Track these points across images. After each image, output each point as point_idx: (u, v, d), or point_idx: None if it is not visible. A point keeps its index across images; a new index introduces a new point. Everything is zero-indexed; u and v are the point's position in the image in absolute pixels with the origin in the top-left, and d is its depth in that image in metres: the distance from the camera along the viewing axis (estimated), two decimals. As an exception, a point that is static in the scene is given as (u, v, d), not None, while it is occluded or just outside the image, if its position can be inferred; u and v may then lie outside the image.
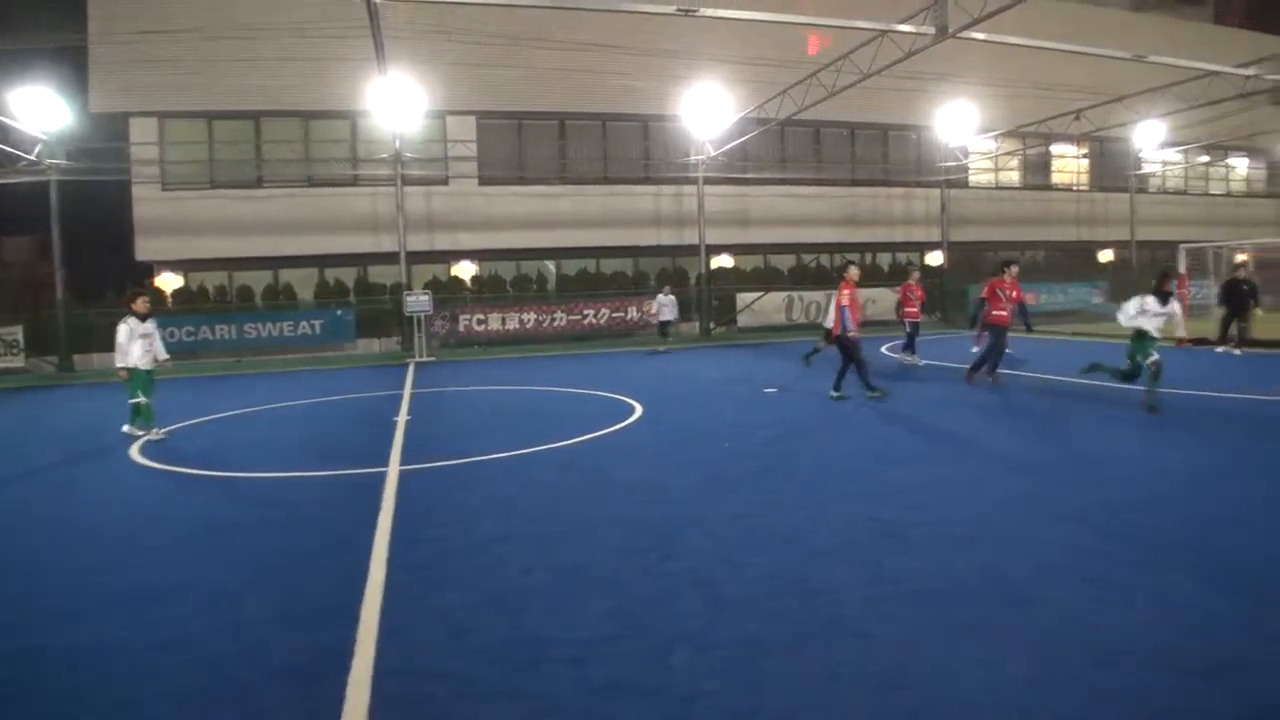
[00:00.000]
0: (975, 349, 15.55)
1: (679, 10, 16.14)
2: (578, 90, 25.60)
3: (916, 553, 5.15)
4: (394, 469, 7.94)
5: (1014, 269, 13.03)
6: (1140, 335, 10.03)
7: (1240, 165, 39.59)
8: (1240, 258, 25.68)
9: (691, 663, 3.75)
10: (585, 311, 24.66)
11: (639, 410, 11.18)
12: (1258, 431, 8.88)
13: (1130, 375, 10.21)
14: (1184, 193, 37.86)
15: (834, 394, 11.54)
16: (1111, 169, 34.73)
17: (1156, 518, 5.73)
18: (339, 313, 23.50)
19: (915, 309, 16.35)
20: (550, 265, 27.10)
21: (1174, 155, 36.09)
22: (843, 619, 4.19)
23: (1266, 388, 11.62)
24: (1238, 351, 16.70)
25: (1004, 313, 12.78)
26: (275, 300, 24.11)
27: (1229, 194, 39.24)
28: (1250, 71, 21.35)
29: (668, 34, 24.40)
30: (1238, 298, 17.02)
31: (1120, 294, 33.14)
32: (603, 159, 26.94)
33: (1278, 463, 7.38)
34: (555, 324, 24.37)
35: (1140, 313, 10.09)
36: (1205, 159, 37.96)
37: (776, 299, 27.08)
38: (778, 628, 4.10)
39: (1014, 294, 12.79)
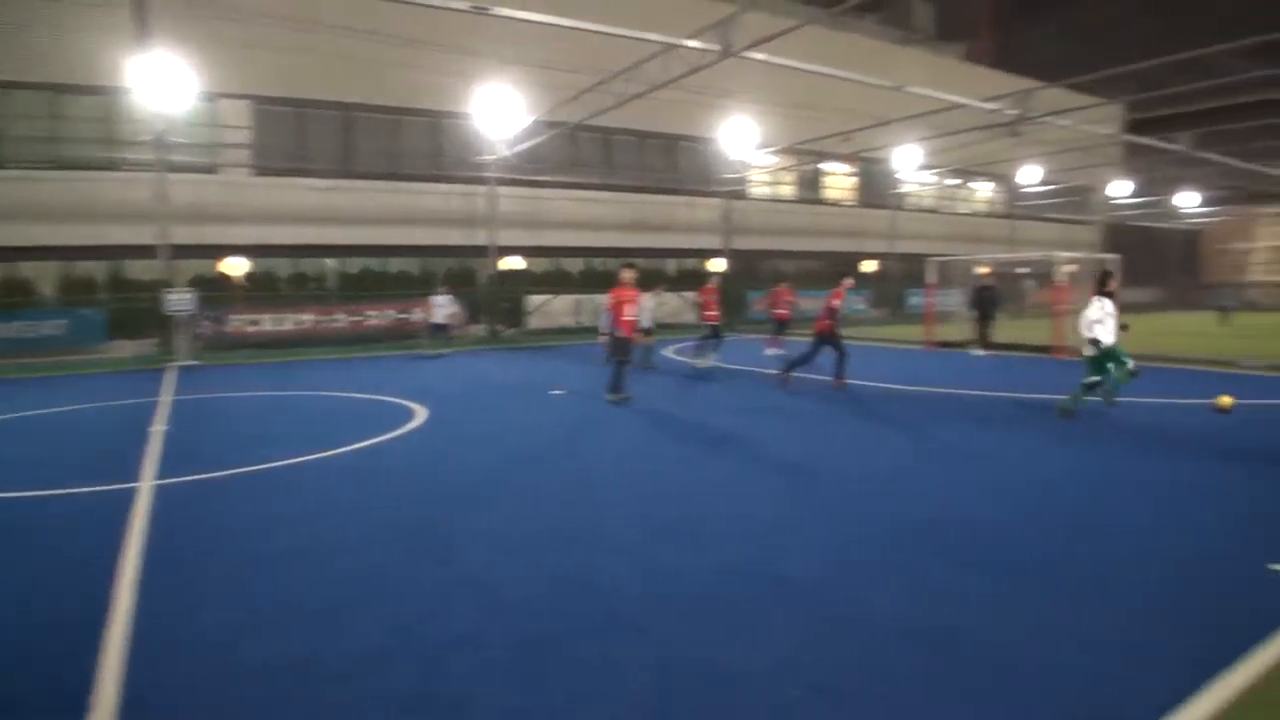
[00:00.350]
0: (768, 352, 17.53)
1: (472, 7, 15.96)
2: (368, 81, 24.59)
3: (690, 548, 5.41)
4: (148, 484, 7.30)
5: (848, 281, 14.01)
6: (1095, 343, 10.26)
7: (983, 189, 44.32)
8: (981, 270, 28.76)
9: (467, 667, 3.76)
10: (368, 313, 23.71)
11: (421, 415, 10.94)
12: (1007, 425, 9.97)
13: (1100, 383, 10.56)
14: (936, 211, 41.87)
15: (610, 396, 11.78)
16: (875, 187, 37.82)
17: (909, 505, 6.35)
18: (88, 312, 21.26)
19: (715, 313, 17.03)
20: (331, 263, 25.80)
21: (928, 177, 39.86)
22: (619, 614, 4.34)
23: (1018, 387, 13.06)
24: (981, 353, 18.70)
25: (829, 320, 13.48)
26: (10, 298, 21.37)
27: (973, 214, 43.82)
28: (993, 106, 23.94)
29: (462, 31, 24.02)
30: (986, 302, 19.16)
31: (882, 301, 36.42)
32: (392, 154, 26.05)
33: (1023, 451, 8.33)
34: (335, 325, 23.20)
35: (1105, 317, 10.31)
36: (954, 182, 42.19)
37: (566, 302, 27.33)
38: (555, 626, 4.18)
39: (834, 302, 13.50)
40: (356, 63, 23.90)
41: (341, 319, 23.31)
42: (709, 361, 16.79)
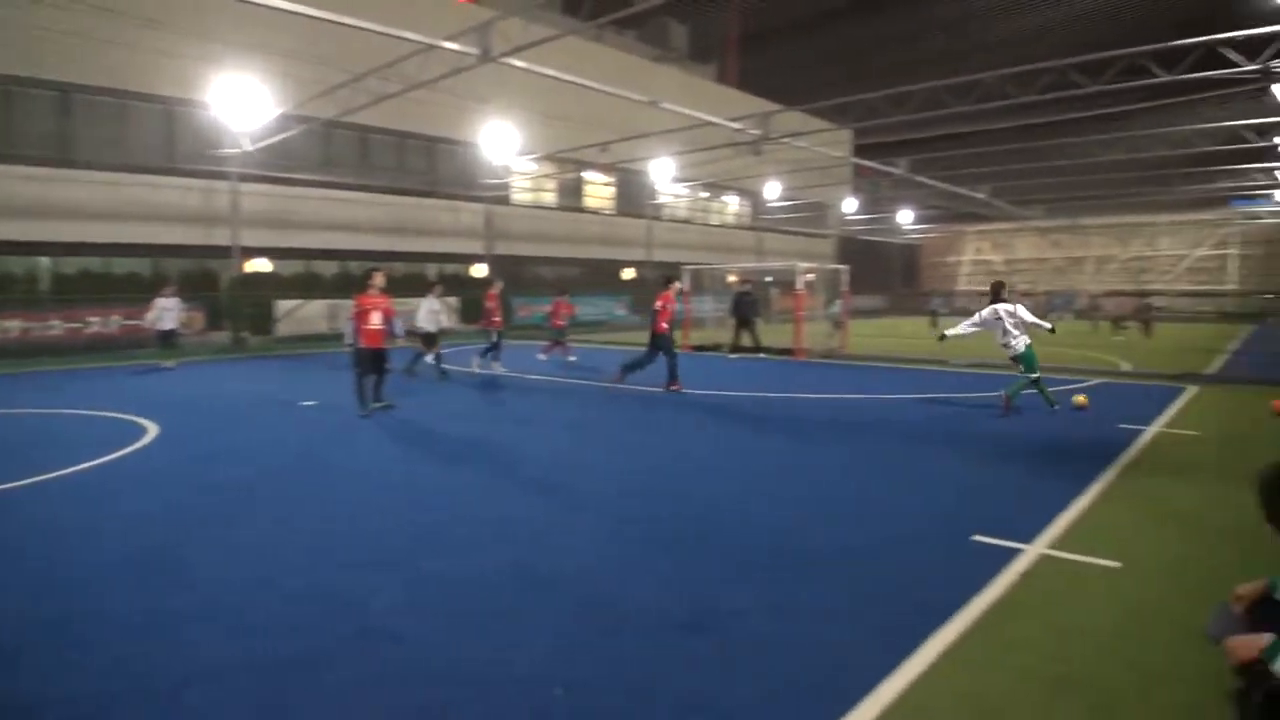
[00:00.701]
0: (540, 356, 18.28)
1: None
2: (90, 61, 21.90)
3: (450, 553, 5.33)
4: None
5: (676, 285, 14.71)
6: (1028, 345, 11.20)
7: (732, 202, 47.04)
8: (731, 278, 30.53)
9: (207, 697, 3.49)
10: (90, 319, 21.18)
11: (153, 431, 9.95)
12: (756, 423, 10.60)
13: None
14: (689, 221, 43.91)
15: (376, 404, 11.33)
16: (633, 197, 39.05)
17: (661, 499, 6.60)
18: None
19: (499, 318, 17.03)
20: (45, 262, 22.74)
21: (682, 189, 41.75)
22: (374, 626, 4.20)
23: (775, 387, 13.90)
24: (733, 356, 19.84)
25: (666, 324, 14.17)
26: None
27: (723, 225, 46.39)
28: (738, 125, 25.45)
29: (203, 13, 22.19)
30: (745, 308, 20.30)
31: (640, 306, 37.62)
32: (119, 142, 23.43)
33: (770, 448, 8.89)
34: (50, 333, 20.46)
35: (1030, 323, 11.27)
36: (706, 195, 44.46)
37: (319, 307, 25.95)
38: (304, 645, 3.98)
39: (672, 306, 14.13)
40: (77, 39, 21.31)
41: (57, 326, 20.66)
42: (500, 368, 16.76)
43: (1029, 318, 11.34)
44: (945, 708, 3.42)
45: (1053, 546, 5.44)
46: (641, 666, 3.79)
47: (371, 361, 11.16)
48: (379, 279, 11.36)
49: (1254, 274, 49.18)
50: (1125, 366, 17.61)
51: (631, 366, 14.28)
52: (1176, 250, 52.95)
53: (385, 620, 4.29)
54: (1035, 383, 11.26)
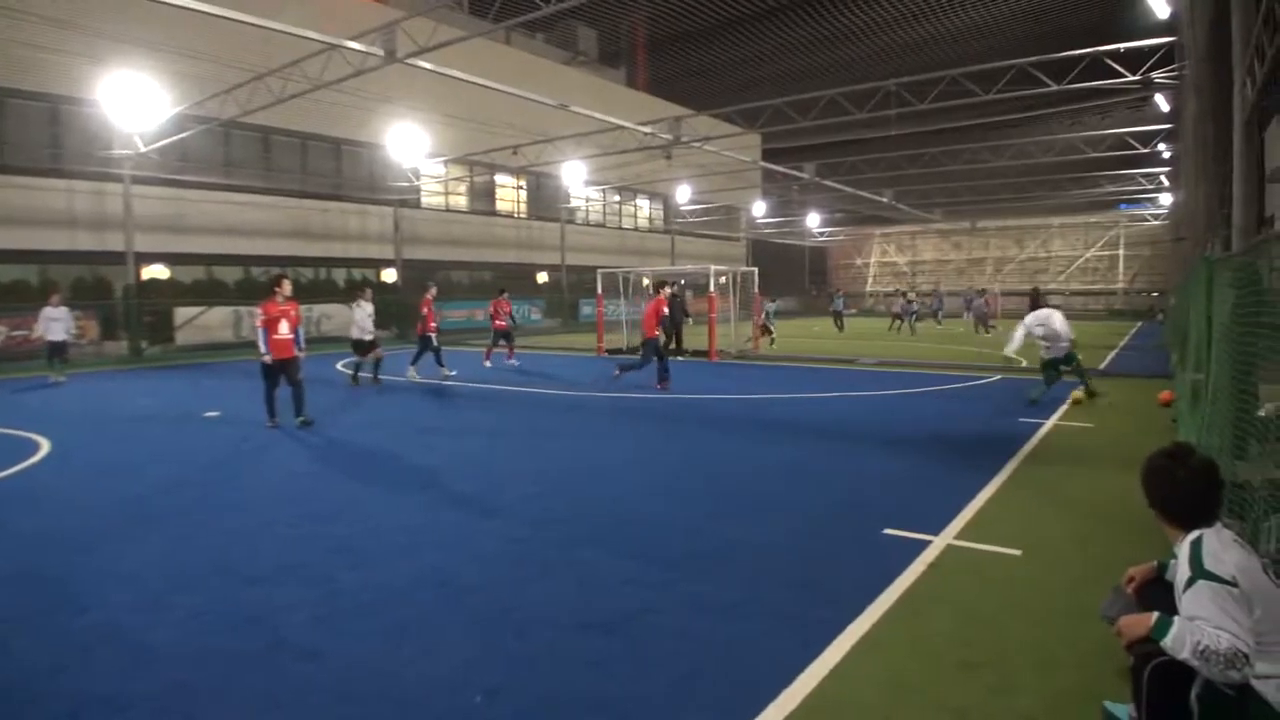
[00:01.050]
0: (487, 363, 18.40)
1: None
2: (-39, 56, 20.72)
3: (363, 565, 5.22)
4: None
5: (667, 289, 16.12)
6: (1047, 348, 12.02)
7: (645, 205, 47.27)
8: (645, 281, 30.68)
9: (104, 726, 3.32)
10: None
11: (45, 447, 9.43)
12: (669, 424, 10.66)
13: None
14: (603, 225, 43.95)
15: (298, 419, 10.66)
16: (546, 200, 38.86)
17: (570, 502, 6.59)
18: None
19: (435, 324, 16.73)
20: (-84, 269, 21.41)
21: (595, 193, 41.75)
22: (286, 642, 4.08)
23: (694, 388, 13.99)
24: (681, 359, 19.79)
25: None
26: None
27: (636, 228, 46.58)
28: (648, 129, 25.61)
29: (90, 8, 21.16)
30: (675, 310, 20.21)
31: (556, 310, 37.52)
32: (-1, 142, 22.11)
33: (682, 448, 8.95)
34: (-75, 344, 19.29)
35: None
36: (618, 198, 44.57)
37: (223, 314, 25.05)
38: (210, 667, 3.83)
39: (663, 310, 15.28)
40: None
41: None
42: (448, 372, 16.50)
43: (1060, 326, 11.89)
44: (858, 695, 3.51)
45: (959, 537, 5.64)
46: (556, 669, 3.78)
47: (282, 373, 10.54)
48: (286, 285, 10.68)
49: (1141, 273, 51.93)
50: (1024, 363, 18.36)
51: (628, 368, 14.86)
52: (1069, 251, 55.49)
53: (299, 636, 4.17)
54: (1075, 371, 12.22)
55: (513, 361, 19.00)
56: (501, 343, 19.20)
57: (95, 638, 4.17)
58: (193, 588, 4.85)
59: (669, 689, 3.59)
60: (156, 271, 25.19)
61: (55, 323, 16.35)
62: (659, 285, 16.42)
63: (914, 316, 32.26)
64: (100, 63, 21.44)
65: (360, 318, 15.62)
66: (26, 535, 6.00)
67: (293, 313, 10.58)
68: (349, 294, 28.95)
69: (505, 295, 19.60)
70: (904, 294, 36.26)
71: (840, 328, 32.66)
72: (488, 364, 18.72)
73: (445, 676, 3.71)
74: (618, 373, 14.83)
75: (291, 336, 10.55)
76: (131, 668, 3.83)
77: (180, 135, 22.87)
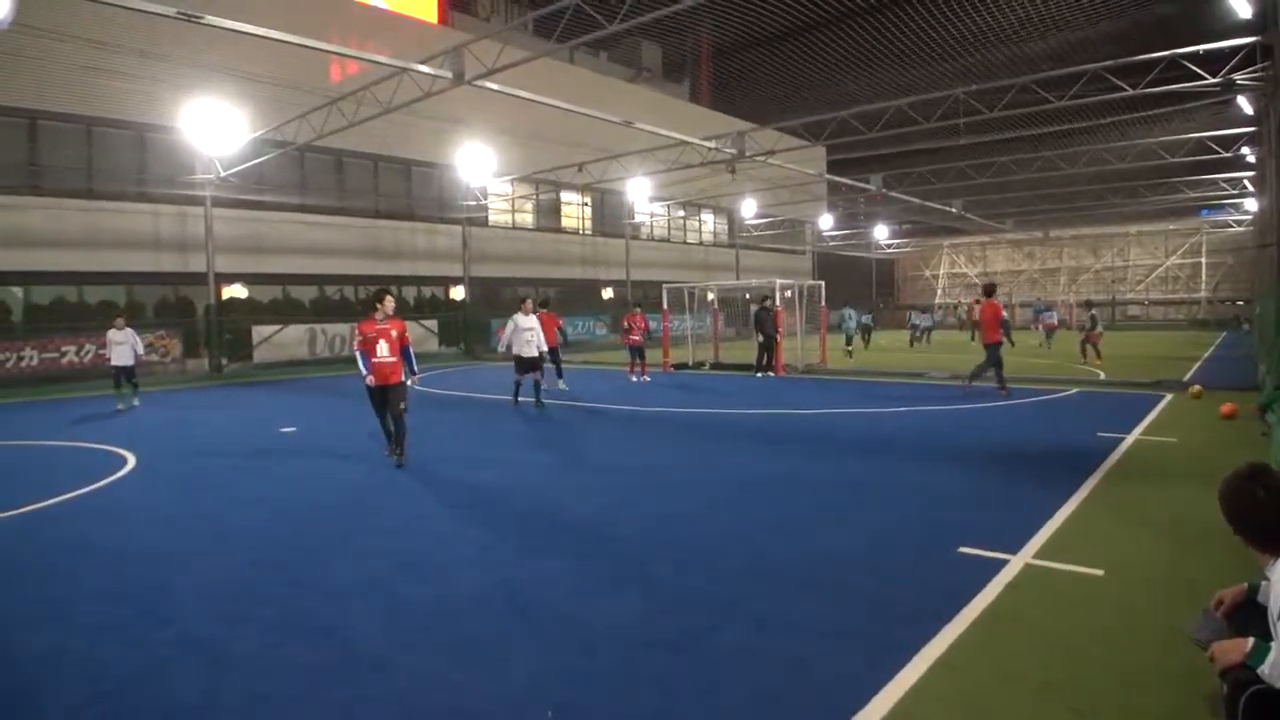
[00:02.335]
0: (634, 379, 18.30)
1: (180, 14, 14.69)
2: (57, 87, 21.73)
3: (431, 580, 5.29)
4: None
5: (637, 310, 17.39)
6: None
7: (709, 220, 47.26)
8: (710, 295, 30.63)
9: (187, 734, 3.42)
10: (64, 348, 20.95)
11: (131, 462, 9.81)
12: (738, 439, 10.61)
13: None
14: (667, 240, 44.05)
15: (391, 454, 9.73)
16: (610, 216, 39.15)
17: (637, 519, 6.58)
18: None
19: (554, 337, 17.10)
20: (17, 292, 22.43)
21: (659, 209, 41.90)
22: (359, 655, 4.15)
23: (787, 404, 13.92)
24: (773, 375, 19.56)
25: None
26: None
27: (701, 243, 46.58)
28: (712, 144, 25.62)
29: (171, 38, 22.05)
30: (766, 324, 19.60)
31: (618, 326, 37.63)
32: (87, 169, 23.17)
33: (753, 464, 8.90)
34: (24, 364, 20.21)
35: None
36: (682, 213, 44.64)
37: (298, 332, 25.79)
38: (288, 677, 3.91)
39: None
40: (44, 64, 21.15)
41: (31, 355, 20.37)
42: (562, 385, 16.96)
43: None
44: (935, 718, 3.42)
45: (1038, 556, 5.47)
46: (623, 687, 3.76)
47: (383, 401, 9.54)
48: (389, 302, 9.60)
49: (1224, 281, 50.00)
50: (1102, 376, 17.80)
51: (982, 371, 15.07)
52: (1148, 260, 53.71)
53: (369, 648, 4.24)
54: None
55: (645, 379, 18.56)
56: (637, 360, 18.69)
57: (178, 649, 4.30)
58: (269, 600, 4.97)
59: (738, 709, 3.55)
60: (235, 291, 26.09)
61: (120, 346, 15.55)
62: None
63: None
64: (183, 91, 22.38)
65: (518, 331, 13.95)
66: (112, 548, 6.23)
67: (394, 332, 9.49)
68: (419, 311, 29.69)
69: (639, 310, 19.12)
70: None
71: (917, 342, 32.45)
72: (645, 379, 18.48)
73: (513, 692, 3.73)
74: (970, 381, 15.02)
75: (394, 359, 9.47)
76: (214, 678, 3.94)
77: (258, 159, 23.71)
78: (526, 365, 13.98)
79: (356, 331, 9.71)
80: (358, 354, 9.52)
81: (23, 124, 21.87)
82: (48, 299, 22.41)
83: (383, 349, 9.36)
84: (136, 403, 15.75)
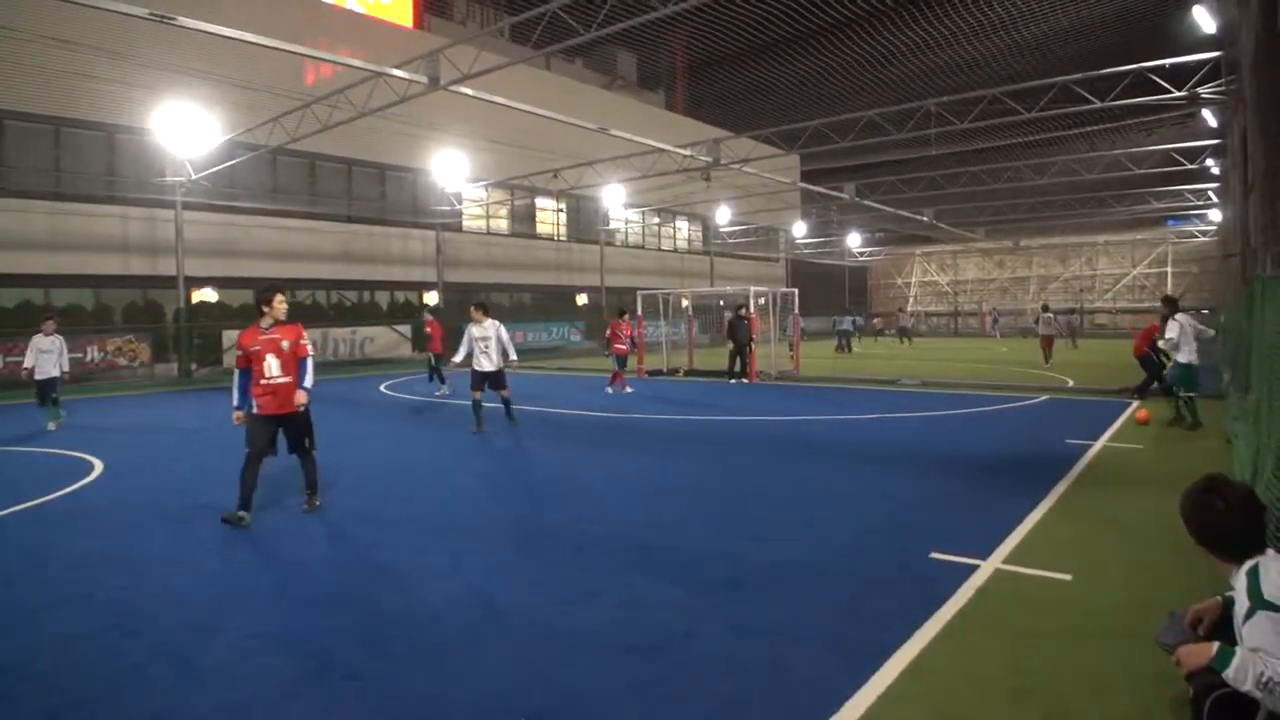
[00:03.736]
0: (609, 389, 17.63)
1: (152, 14, 14.54)
2: (24, 86, 21.37)
3: (405, 587, 5.27)
4: None
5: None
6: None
7: (684, 227, 47.41)
8: (685, 302, 30.71)
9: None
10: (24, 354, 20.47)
11: (98, 468, 9.67)
12: (711, 445, 10.64)
13: None
14: (642, 247, 44.14)
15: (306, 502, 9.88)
16: (585, 223, 39.19)
17: (612, 525, 6.59)
18: None
19: (437, 342, 17.65)
20: (-23, 295, 22.05)
21: (634, 215, 41.99)
22: (332, 664, 4.12)
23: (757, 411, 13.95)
24: (746, 381, 19.50)
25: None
26: None
27: (675, 250, 46.70)
28: (687, 151, 25.74)
29: (143, 39, 21.78)
30: (740, 333, 19.47)
31: (597, 332, 37.65)
32: (55, 170, 22.81)
33: (726, 470, 8.92)
34: (-16, 366, 19.80)
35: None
36: (657, 220, 44.76)
37: (269, 336, 25.48)
38: (260, 687, 3.88)
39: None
40: (12, 65, 20.83)
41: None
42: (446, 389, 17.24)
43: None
44: (908, 724, 3.46)
45: (1007, 561, 5.54)
46: (600, 693, 3.77)
47: (271, 437, 7.19)
48: (279, 304, 7.24)
49: (1190, 290, 50.82)
50: (1070, 384, 18.05)
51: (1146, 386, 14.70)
52: (1115, 269, 54.55)
53: (345, 658, 4.21)
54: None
55: (627, 389, 17.68)
56: (619, 370, 17.94)
57: (148, 658, 4.24)
58: (240, 609, 4.92)
59: (714, 713, 3.56)
60: (205, 295, 25.78)
61: (46, 355, 13.13)
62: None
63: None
64: (153, 92, 22.16)
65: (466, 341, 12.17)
66: (79, 556, 6.13)
67: (286, 343, 7.12)
68: (392, 317, 29.50)
69: (626, 317, 18.48)
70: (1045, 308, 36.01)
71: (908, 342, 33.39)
72: (625, 390, 17.65)
73: (489, 699, 3.72)
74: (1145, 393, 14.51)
75: (287, 379, 7.10)
76: (185, 688, 3.89)
77: (230, 162, 23.52)
78: (480, 380, 11.95)
79: (238, 346, 7.30)
80: (235, 374, 7.32)
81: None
82: (12, 302, 21.99)
83: (272, 366, 7.05)
84: (61, 421, 13.33)
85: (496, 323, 12.04)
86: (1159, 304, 13.61)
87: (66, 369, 13.65)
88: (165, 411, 15.83)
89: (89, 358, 21.53)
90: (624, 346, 17.98)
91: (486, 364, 11.89)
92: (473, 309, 12.20)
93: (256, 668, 4.10)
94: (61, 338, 13.56)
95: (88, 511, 7.60)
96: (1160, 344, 12.35)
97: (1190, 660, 2.78)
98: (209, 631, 4.57)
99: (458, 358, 12.21)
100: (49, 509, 7.68)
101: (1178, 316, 11.67)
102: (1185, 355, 11.43)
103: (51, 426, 13.05)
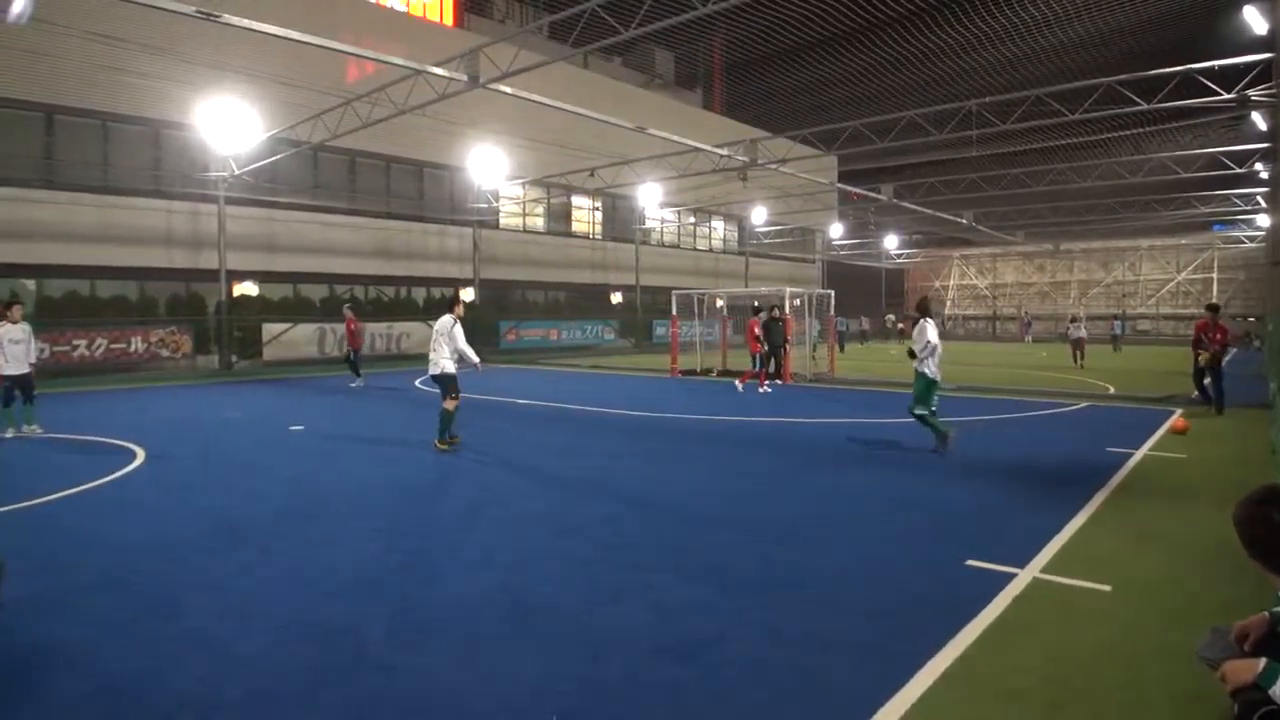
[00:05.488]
0: (740, 386, 16.79)
1: (198, 12, 14.78)
2: (73, 82, 21.83)
3: (437, 581, 5.29)
4: None
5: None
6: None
7: (719, 227, 47.27)
8: (719, 303, 30.57)
9: (193, 730, 3.43)
10: (76, 341, 21.05)
11: (140, 457, 9.86)
12: (743, 448, 10.59)
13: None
14: (677, 246, 44.07)
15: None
16: (621, 222, 39.21)
17: (643, 525, 6.58)
18: None
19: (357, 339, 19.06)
20: (29, 285, 22.56)
21: (670, 215, 41.94)
22: (364, 656, 4.15)
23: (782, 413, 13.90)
24: (780, 383, 19.20)
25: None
26: None
27: (710, 250, 46.58)
28: (724, 151, 25.64)
29: (189, 36, 22.14)
30: (775, 335, 19.02)
31: (630, 331, 37.72)
32: (103, 164, 23.27)
33: (758, 473, 8.88)
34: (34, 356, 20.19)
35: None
36: (692, 219, 44.66)
37: (308, 331, 25.88)
38: (293, 676, 3.92)
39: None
40: (61, 60, 21.25)
41: (43, 349, 20.37)
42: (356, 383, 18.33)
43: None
44: (941, 734, 3.41)
45: (1045, 571, 5.44)
46: (630, 694, 3.76)
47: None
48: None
49: (1236, 297, 49.75)
50: (1112, 390, 17.74)
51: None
52: (1159, 274, 53.52)
53: (374, 650, 4.24)
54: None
55: (765, 389, 17.75)
56: (759, 369, 17.93)
57: (184, 644, 4.31)
58: (276, 600, 4.98)
59: (745, 719, 3.54)
60: (246, 289, 26.17)
61: (16, 346, 11.34)
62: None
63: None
64: (198, 89, 22.53)
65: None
66: (120, 543, 6.25)
67: None
68: (428, 313, 29.75)
69: (763, 314, 18.32)
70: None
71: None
72: (762, 389, 17.70)
73: (518, 697, 3.72)
74: None
75: None
76: (219, 675, 3.95)
77: (272, 158, 23.83)
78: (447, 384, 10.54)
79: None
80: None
81: (39, 118, 22.00)
82: (60, 293, 22.52)
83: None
84: (39, 429, 11.72)
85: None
86: (1204, 310, 13.25)
87: (34, 361, 11.76)
88: (205, 403, 16.08)
89: (132, 348, 21.96)
90: (759, 345, 17.86)
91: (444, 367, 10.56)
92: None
93: (290, 657, 4.14)
94: (28, 324, 11.73)
95: (129, 499, 7.75)
96: (913, 352, 10.11)
97: (1235, 676, 2.70)
98: (244, 619, 4.63)
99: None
100: (93, 495, 7.84)
101: (927, 321, 10.14)
102: (932, 369, 10.02)
103: (18, 430, 11.49)
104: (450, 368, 10.40)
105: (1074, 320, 28.08)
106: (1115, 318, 41.90)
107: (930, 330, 10.07)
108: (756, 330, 17.86)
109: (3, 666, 4.06)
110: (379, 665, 4.04)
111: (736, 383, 18.22)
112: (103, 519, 6.98)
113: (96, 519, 6.97)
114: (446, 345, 10.45)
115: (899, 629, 4.50)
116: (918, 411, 10.17)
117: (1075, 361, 25.77)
